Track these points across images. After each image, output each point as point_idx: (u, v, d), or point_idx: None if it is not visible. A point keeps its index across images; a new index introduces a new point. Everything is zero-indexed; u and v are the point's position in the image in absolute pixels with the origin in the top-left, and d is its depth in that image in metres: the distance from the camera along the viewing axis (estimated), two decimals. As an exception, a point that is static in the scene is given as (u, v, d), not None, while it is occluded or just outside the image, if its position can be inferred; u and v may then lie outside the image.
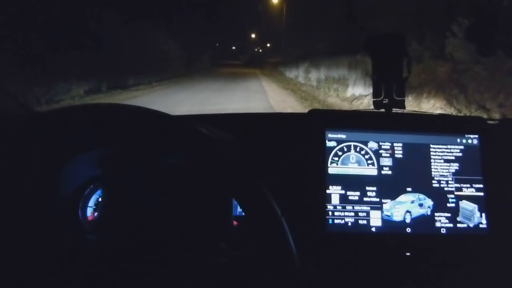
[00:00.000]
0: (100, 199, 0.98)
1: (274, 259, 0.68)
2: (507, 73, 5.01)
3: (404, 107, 1.08)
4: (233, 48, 76.19)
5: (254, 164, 0.79)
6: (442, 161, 1.02)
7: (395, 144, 1.03)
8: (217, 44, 52.95)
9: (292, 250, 0.68)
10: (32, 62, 9.29)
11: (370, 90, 1.10)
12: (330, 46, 12.75)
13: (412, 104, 6.59)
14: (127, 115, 0.72)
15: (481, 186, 1.01)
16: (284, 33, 27.65)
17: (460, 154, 1.03)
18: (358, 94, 9.52)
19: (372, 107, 1.09)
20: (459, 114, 5.39)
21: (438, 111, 5.83)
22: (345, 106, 9.22)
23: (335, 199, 1.00)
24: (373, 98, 1.09)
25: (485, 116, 4.99)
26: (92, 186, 0.97)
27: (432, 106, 6.27)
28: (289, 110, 8.19)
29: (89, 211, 0.97)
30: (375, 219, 0.99)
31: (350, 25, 10.84)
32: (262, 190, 0.69)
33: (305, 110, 1.12)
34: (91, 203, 0.98)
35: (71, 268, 0.75)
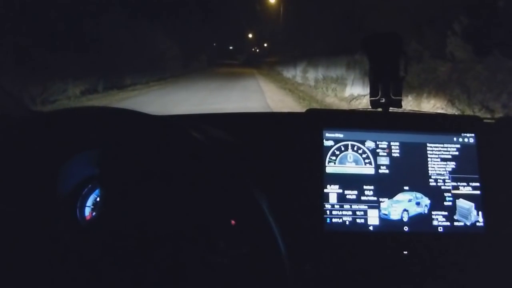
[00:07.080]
0: (98, 199, 0.98)
1: (263, 260, 0.69)
2: (509, 73, 4.98)
3: (401, 106, 1.08)
4: (231, 48, 76.29)
5: (245, 165, 0.79)
6: (439, 160, 1.03)
7: (392, 143, 1.03)
8: (214, 44, 52.90)
9: (281, 251, 0.68)
10: (28, 62, 9.26)
11: (369, 90, 1.10)
12: (328, 46, 12.72)
13: (412, 104, 6.56)
14: (121, 117, 0.74)
15: (477, 184, 1.02)
16: (281, 33, 27.64)
17: (457, 153, 1.03)
18: (356, 94, 9.51)
19: (370, 107, 1.10)
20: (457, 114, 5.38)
21: (439, 111, 5.82)
22: (344, 106, 9.20)
23: (333, 198, 1.00)
24: (370, 97, 1.10)
25: (489, 116, 4.98)
26: (90, 185, 0.97)
27: (433, 106, 6.24)
28: (286, 110, 8.17)
29: (87, 211, 0.97)
30: (373, 218, 1.00)
31: (348, 24, 10.84)
32: (251, 192, 0.70)
33: (303, 110, 1.13)
34: (89, 202, 0.98)
35: (69, 267, 0.75)
